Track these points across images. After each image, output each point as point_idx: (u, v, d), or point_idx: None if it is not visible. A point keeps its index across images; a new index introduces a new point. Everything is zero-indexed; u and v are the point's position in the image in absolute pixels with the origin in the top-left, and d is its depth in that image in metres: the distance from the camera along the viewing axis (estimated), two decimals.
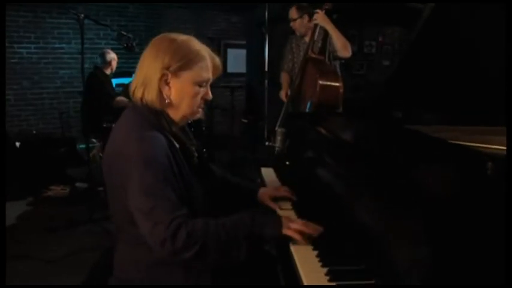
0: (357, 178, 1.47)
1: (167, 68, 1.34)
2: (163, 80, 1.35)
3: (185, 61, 1.35)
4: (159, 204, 1.23)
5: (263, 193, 1.68)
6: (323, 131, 1.93)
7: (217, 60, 1.46)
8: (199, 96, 1.41)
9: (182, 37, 1.40)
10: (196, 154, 1.50)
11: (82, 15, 3.40)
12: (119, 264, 1.44)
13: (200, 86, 1.40)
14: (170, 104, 1.38)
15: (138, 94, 1.37)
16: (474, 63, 1.75)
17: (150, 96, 1.35)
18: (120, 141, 1.34)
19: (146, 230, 1.24)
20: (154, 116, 1.37)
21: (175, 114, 1.41)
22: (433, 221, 1.05)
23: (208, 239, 1.22)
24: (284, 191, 1.69)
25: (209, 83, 1.44)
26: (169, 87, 1.36)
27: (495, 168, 1.03)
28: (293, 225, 1.32)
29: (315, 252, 1.26)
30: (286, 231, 1.31)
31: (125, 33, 3.99)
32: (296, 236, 1.30)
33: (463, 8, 1.61)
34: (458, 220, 1.00)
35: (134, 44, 3.98)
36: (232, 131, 5.22)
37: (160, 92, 1.35)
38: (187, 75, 1.36)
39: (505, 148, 1.40)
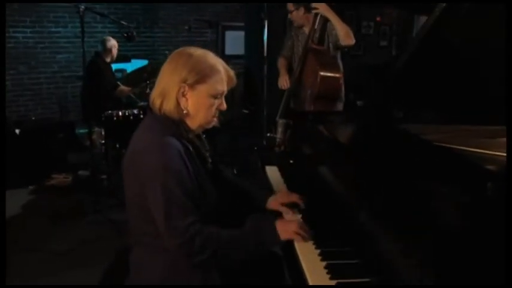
0: (359, 181, 1.53)
1: (184, 82, 1.43)
2: (181, 93, 1.44)
3: (201, 75, 1.44)
4: (176, 210, 1.36)
5: (273, 201, 1.73)
6: (326, 132, 1.98)
7: (232, 73, 1.54)
8: (214, 107, 1.50)
9: (199, 51, 1.48)
10: (210, 160, 1.61)
11: (82, 7, 3.37)
12: (135, 266, 1.52)
13: (215, 97, 1.49)
14: (187, 114, 1.48)
15: (157, 104, 1.47)
16: (478, 64, 1.79)
17: (169, 106, 1.45)
18: (140, 147, 1.45)
19: (164, 234, 1.38)
20: (173, 124, 1.46)
21: (192, 123, 1.50)
22: (433, 232, 1.10)
23: (219, 248, 1.40)
24: (295, 197, 1.72)
25: (224, 94, 1.52)
26: (187, 99, 1.45)
27: (495, 189, 1.09)
28: (290, 229, 1.46)
29: (318, 251, 1.39)
30: (284, 236, 1.45)
31: (124, 23, 3.96)
32: (296, 238, 1.45)
33: (468, 10, 1.65)
34: (457, 234, 1.06)
35: (134, 33, 3.96)
36: (232, 119, 5.22)
37: (178, 103, 1.45)
38: (203, 88, 1.45)
39: (501, 154, 1.46)
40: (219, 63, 1.48)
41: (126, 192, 1.50)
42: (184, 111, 1.46)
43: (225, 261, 1.44)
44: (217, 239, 1.39)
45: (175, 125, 1.46)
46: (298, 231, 1.45)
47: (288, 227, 1.47)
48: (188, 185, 1.40)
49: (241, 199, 1.79)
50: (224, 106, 1.53)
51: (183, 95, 1.44)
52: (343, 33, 3.23)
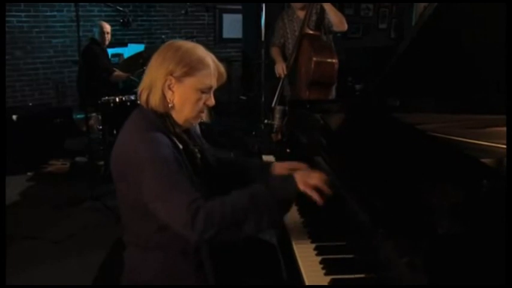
0: (354, 175, 1.52)
1: (171, 74, 1.40)
2: (167, 85, 1.41)
3: (188, 68, 1.40)
4: (175, 190, 1.29)
5: (280, 166, 1.66)
6: (322, 122, 1.96)
7: (222, 68, 1.50)
8: (201, 102, 1.46)
9: (188, 45, 1.45)
10: (199, 155, 1.56)
11: None
12: (129, 267, 1.52)
13: (202, 92, 1.45)
14: (173, 108, 1.45)
15: (143, 97, 1.45)
16: (476, 54, 1.78)
17: (154, 99, 1.42)
18: (128, 144, 1.42)
19: (167, 217, 1.31)
20: (159, 118, 1.44)
21: (179, 118, 1.47)
22: (429, 228, 1.10)
23: (227, 217, 1.27)
24: (304, 166, 1.61)
25: (212, 89, 1.48)
26: (173, 92, 1.42)
27: (490, 186, 1.09)
28: (311, 180, 1.35)
29: (313, 245, 1.38)
30: (303, 188, 1.33)
31: (120, 9, 3.91)
32: (313, 195, 1.33)
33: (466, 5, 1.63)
34: (453, 230, 1.06)
35: (130, 19, 3.92)
36: (230, 107, 5.20)
37: (163, 96, 1.42)
38: (190, 82, 1.42)
39: (497, 145, 1.46)
40: (208, 57, 1.45)
41: (117, 191, 1.48)
42: (170, 105, 1.43)
43: (236, 231, 1.28)
44: (222, 209, 1.27)
45: (161, 119, 1.43)
46: (320, 185, 1.34)
47: (308, 178, 1.35)
48: (180, 166, 1.36)
49: (242, 173, 1.72)
50: (212, 102, 1.49)
51: (169, 88, 1.41)
52: (336, 20, 3.32)
